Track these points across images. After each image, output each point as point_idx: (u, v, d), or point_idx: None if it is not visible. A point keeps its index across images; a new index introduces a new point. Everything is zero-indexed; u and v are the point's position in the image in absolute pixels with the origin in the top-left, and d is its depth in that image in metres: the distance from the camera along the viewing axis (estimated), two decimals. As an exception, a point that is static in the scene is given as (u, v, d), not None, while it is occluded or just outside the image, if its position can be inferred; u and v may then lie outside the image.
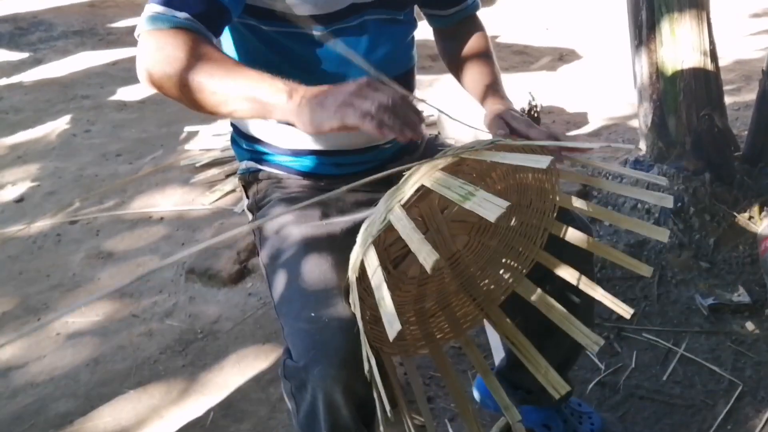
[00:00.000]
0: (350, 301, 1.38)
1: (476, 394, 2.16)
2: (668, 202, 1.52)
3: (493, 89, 1.72)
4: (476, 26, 1.87)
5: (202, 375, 2.43)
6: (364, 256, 1.26)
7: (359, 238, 1.31)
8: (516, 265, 1.67)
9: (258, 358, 2.47)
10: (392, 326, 1.10)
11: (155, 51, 1.38)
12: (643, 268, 1.54)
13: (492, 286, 1.69)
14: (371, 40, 1.65)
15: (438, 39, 1.93)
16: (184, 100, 1.41)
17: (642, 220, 1.59)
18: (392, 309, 1.13)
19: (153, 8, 1.41)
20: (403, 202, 1.24)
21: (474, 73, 1.78)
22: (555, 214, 1.61)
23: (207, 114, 1.43)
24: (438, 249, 1.54)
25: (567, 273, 1.59)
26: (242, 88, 1.33)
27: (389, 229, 1.24)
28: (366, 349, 1.27)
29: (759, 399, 2.18)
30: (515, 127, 1.55)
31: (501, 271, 1.68)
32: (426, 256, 1.10)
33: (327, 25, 1.60)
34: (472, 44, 1.83)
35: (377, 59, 1.65)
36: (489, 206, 1.11)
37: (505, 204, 1.09)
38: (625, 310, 1.53)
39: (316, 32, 1.56)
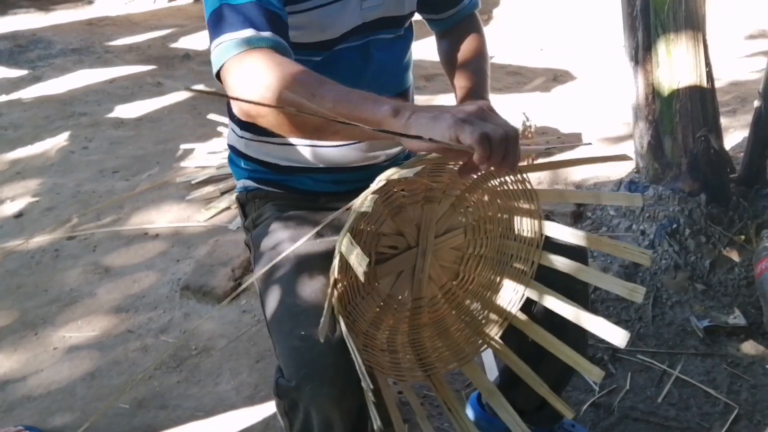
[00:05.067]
0: (335, 313, 1.39)
1: (470, 414, 2.16)
2: (639, 201, 1.54)
3: (470, 91, 1.71)
4: (473, 26, 1.88)
5: (197, 391, 2.43)
6: (340, 248, 1.28)
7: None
8: (511, 293, 1.68)
9: (252, 375, 2.47)
10: (361, 263, 1.16)
11: (249, 82, 1.34)
12: (637, 292, 1.53)
13: (489, 315, 1.70)
14: (373, 61, 1.67)
15: (437, 40, 1.94)
16: (284, 128, 1.37)
17: (629, 244, 1.59)
18: (358, 249, 1.18)
19: (224, 37, 1.38)
20: (358, 205, 1.28)
21: (459, 76, 1.78)
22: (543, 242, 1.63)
23: (308, 138, 1.41)
24: (420, 269, 1.56)
25: (557, 304, 1.61)
26: (346, 110, 1.28)
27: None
28: (357, 361, 1.28)
29: (755, 422, 2.18)
30: None
31: (496, 301, 1.69)
32: (356, 259, 1.16)
33: (330, 49, 1.62)
34: (464, 45, 1.84)
35: (378, 80, 1.67)
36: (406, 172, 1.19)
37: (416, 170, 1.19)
38: (618, 337, 1.52)
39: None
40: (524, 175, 1.52)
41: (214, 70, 1.40)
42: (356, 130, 1.29)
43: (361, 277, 1.20)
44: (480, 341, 1.70)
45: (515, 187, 1.55)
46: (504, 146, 1.18)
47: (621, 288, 1.52)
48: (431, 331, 1.67)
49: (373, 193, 1.27)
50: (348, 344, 1.30)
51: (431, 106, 1.25)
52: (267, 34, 1.37)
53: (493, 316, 1.68)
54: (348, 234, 1.25)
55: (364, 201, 1.25)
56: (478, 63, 1.79)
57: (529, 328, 1.65)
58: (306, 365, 1.41)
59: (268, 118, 1.36)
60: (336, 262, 1.31)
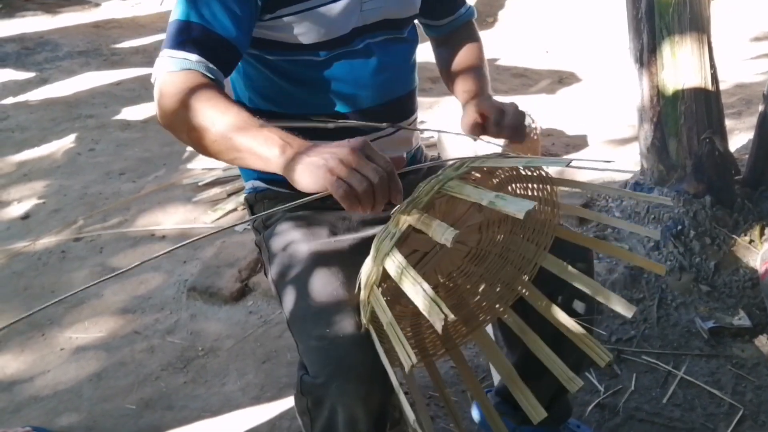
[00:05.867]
0: (363, 317, 1.41)
1: (475, 415, 2.17)
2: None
3: (474, 89, 1.76)
4: (469, 34, 1.91)
5: (203, 392, 2.44)
6: (383, 264, 1.29)
7: (372, 251, 1.34)
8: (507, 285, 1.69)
9: (258, 376, 2.48)
10: (438, 317, 1.14)
11: (168, 97, 1.43)
12: (656, 265, 1.54)
13: (483, 305, 1.71)
14: (377, 63, 1.68)
15: (433, 47, 1.96)
16: (192, 146, 1.46)
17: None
18: (436, 298, 1.17)
19: (166, 52, 1.47)
20: (421, 206, 1.29)
21: (461, 80, 1.82)
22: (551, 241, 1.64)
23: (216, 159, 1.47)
24: (441, 263, 1.57)
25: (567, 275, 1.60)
26: (241, 141, 1.35)
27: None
28: (384, 361, 1.30)
29: (760, 423, 2.18)
30: (487, 116, 1.64)
31: (495, 290, 1.70)
32: (434, 315, 1.14)
33: (331, 50, 1.63)
34: (462, 52, 1.87)
35: (382, 81, 1.68)
36: (517, 205, 1.15)
37: (532, 204, 1.14)
38: (626, 309, 1.51)
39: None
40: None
41: (152, 77, 1.50)
42: (251, 162, 1.38)
43: (439, 330, 1.19)
44: (491, 311, 1.70)
45: (540, 195, 1.57)
46: (370, 196, 1.23)
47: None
48: (448, 304, 1.68)
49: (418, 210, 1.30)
50: (382, 360, 1.33)
51: (312, 149, 1.29)
52: (199, 60, 1.46)
53: (505, 287, 1.68)
54: (414, 275, 1.25)
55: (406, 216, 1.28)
56: (479, 68, 1.84)
57: (539, 301, 1.65)
58: (332, 362, 1.43)
59: (180, 136, 1.46)
60: (376, 272, 1.32)
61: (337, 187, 1.22)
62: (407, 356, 1.21)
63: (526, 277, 1.65)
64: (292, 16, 1.56)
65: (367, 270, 1.37)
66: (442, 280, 1.66)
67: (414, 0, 1.75)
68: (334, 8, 1.59)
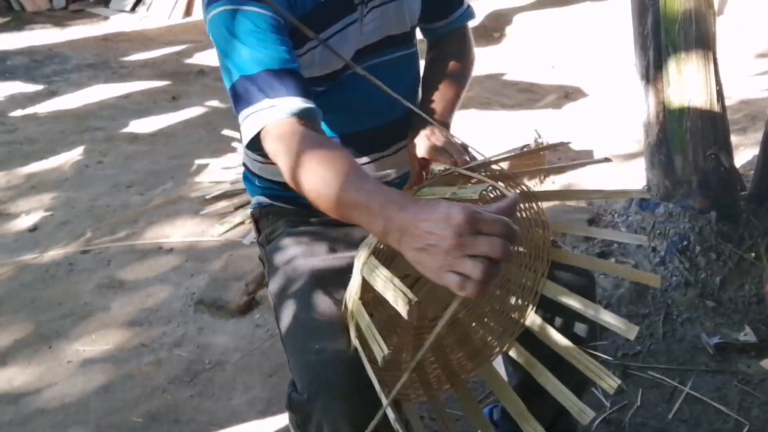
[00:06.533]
0: (351, 333, 1.41)
1: None
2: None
3: (429, 108, 1.72)
4: (459, 42, 1.87)
5: (210, 405, 2.44)
6: (362, 273, 1.29)
7: (354, 266, 1.34)
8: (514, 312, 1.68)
9: (265, 390, 2.49)
10: (404, 301, 1.12)
11: (274, 156, 1.41)
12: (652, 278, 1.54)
13: (488, 340, 1.71)
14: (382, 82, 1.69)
15: (426, 52, 1.93)
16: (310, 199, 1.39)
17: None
18: (402, 287, 1.15)
19: (248, 111, 1.44)
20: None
21: (428, 94, 1.78)
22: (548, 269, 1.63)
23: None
24: (437, 293, 1.57)
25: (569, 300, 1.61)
26: (346, 212, 1.27)
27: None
28: (372, 377, 1.29)
29: (765, 439, 2.19)
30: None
31: (510, 303, 1.70)
32: (402, 302, 1.13)
33: (335, 78, 1.65)
34: (443, 62, 1.83)
35: (387, 102, 1.69)
36: (473, 189, 1.17)
37: (485, 185, 1.16)
38: (628, 331, 1.51)
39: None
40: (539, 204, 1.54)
41: (246, 140, 1.46)
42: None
43: (405, 315, 1.12)
44: (497, 344, 1.70)
45: (530, 215, 1.56)
46: (494, 273, 1.04)
47: (638, 276, 1.55)
48: (451, 341, 1.67)
49: None
50: (366, 367, 1.32)
51: (415, 233, 1.09)
52: (288, 100, 1.42)
53: (508, 320, 1.68)
54: (386, 273, 1.23)
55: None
56: (449, 83, 1.78)
57: (545, 333, 1.64)
58: (319, 380, 1.43)
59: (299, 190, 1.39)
60: (357, 283, 1.32)
61: (453, 284, 1.06)
62: (379, 348, 1.19)
63: (530, 308, 1.64)
64: (302, 56, 1.58)
65: (350, 286, 1.37)
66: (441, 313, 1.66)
67: (412, 11, 1.76)
68: (336, 40, 1.61)
